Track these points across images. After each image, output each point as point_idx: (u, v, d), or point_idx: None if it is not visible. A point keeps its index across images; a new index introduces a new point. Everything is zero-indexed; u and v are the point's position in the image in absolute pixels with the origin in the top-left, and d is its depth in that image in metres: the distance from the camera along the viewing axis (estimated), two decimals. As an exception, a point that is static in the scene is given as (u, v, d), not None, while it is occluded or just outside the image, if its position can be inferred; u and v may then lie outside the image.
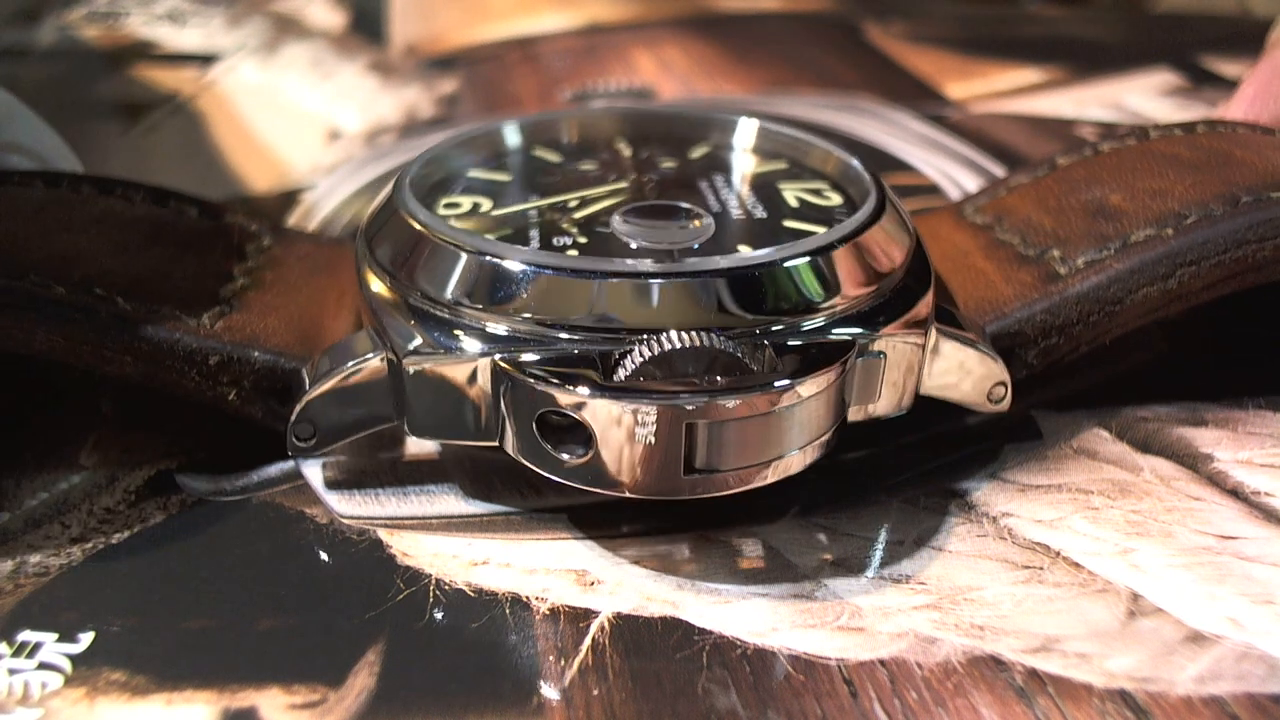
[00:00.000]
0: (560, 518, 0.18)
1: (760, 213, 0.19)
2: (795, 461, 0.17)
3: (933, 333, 0.18)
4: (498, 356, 0.16)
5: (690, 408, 0.15)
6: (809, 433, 0.16)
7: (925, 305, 0.18)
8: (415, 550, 0.18)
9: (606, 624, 0.16)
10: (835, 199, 0.20)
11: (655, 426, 0.15)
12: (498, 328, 0.16)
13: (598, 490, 0.16)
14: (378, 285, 0.18)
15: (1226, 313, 0.22)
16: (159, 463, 0.20)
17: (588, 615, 0.16)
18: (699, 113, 0.23)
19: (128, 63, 0.43)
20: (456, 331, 0.17)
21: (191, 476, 0.19)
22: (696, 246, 0.18)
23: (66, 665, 0.15)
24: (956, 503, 0.18)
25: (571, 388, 0.16)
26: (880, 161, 0.33)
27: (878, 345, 0.17)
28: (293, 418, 0.18)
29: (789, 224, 0.19)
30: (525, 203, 0.20)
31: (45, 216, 0.20)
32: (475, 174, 0.21)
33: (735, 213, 0.19)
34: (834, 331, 0.17)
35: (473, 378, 0.17)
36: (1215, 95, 0.38)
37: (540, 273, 0.16)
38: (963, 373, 0.18)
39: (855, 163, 0.20)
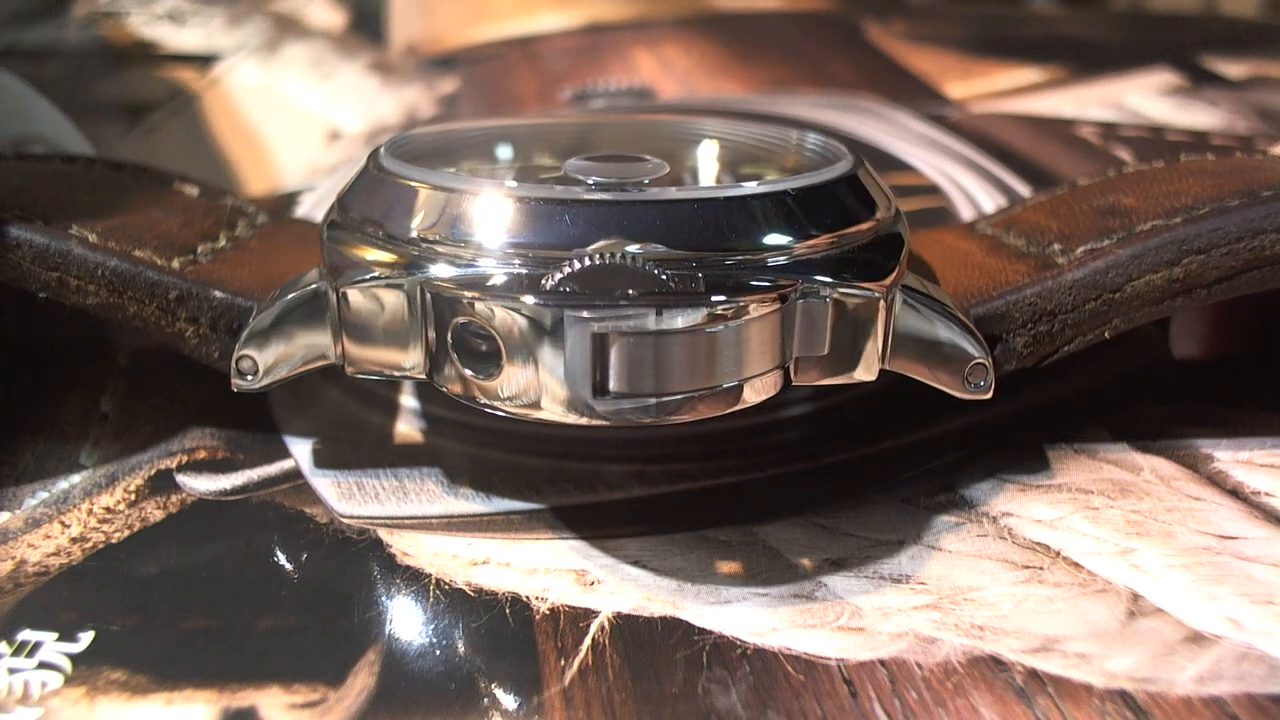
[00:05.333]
0: (560, 518, 0.18)
1: (734, 188, 0.19)
2: (725, 399, 0.16)
3: (896, 300, 0.17)
4: (427, 278, 0.16)
5: (596, 316, 0.15)
6: (739, 368, 0.16)
7: (891, 268, 0.17)
8: (415, 550, 0.18)
9: (606, 624, 0.16)
10: None
11: (559, 334, 0.15)
12: (436, 254, 0.16)
13: (511, 411, 0.16)
14: (329, 223, 0.18)
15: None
16: (159, 462, 0.20)
17: (588, 615, 0.16)
18: (699, 123, 0.23)
19: (128, 63, 0.43)
20: (393, 258, 0.16)
21: (191, 476, 0.19)
22: (647, 181, 0.17)
23: (66, 664, 0.15)
24: (956, 502, 0.18)
25: (482, 296, 0.15)
26: (880, 161, 0.33)
27: (825, 292, 0.16)
28: (238, 347, 0.18)
29: None
30: (500, 167, 0.20)
31: (49, 179, 0.20)
32: (464, 164, 0.21)
33: (707, 183, 0.19)
34: (775, 274, 0.16)
35: (404, 301, 0.16)
36: (1215, 95, 0.38)
37: (474, 198, 0.16)
38: (934, 348, 0.17)
39: (839, 145, 0.20)
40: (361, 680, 0.15)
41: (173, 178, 0.22)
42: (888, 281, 0.17)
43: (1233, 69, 0.41)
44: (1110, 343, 0.19)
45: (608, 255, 0.15)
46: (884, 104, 0.38)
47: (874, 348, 0.17)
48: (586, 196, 0.16)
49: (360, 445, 0.20)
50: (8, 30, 0.46)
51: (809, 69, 0.42)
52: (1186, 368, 0.22)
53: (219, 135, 0.35)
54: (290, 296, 0.17)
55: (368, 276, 0.17)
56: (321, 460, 0.20)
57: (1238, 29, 0.48)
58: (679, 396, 0.16)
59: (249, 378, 0.18)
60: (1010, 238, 0.20)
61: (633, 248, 0.16)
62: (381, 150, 0.19)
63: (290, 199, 0.30)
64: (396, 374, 0.17)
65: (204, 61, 0.43)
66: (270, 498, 0.19)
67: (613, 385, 0.15)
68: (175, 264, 0.19)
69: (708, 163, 0.21)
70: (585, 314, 0.15)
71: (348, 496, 0.19)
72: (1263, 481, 0.19)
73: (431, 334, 0.16)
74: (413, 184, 0.17)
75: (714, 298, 0.15)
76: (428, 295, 0.16)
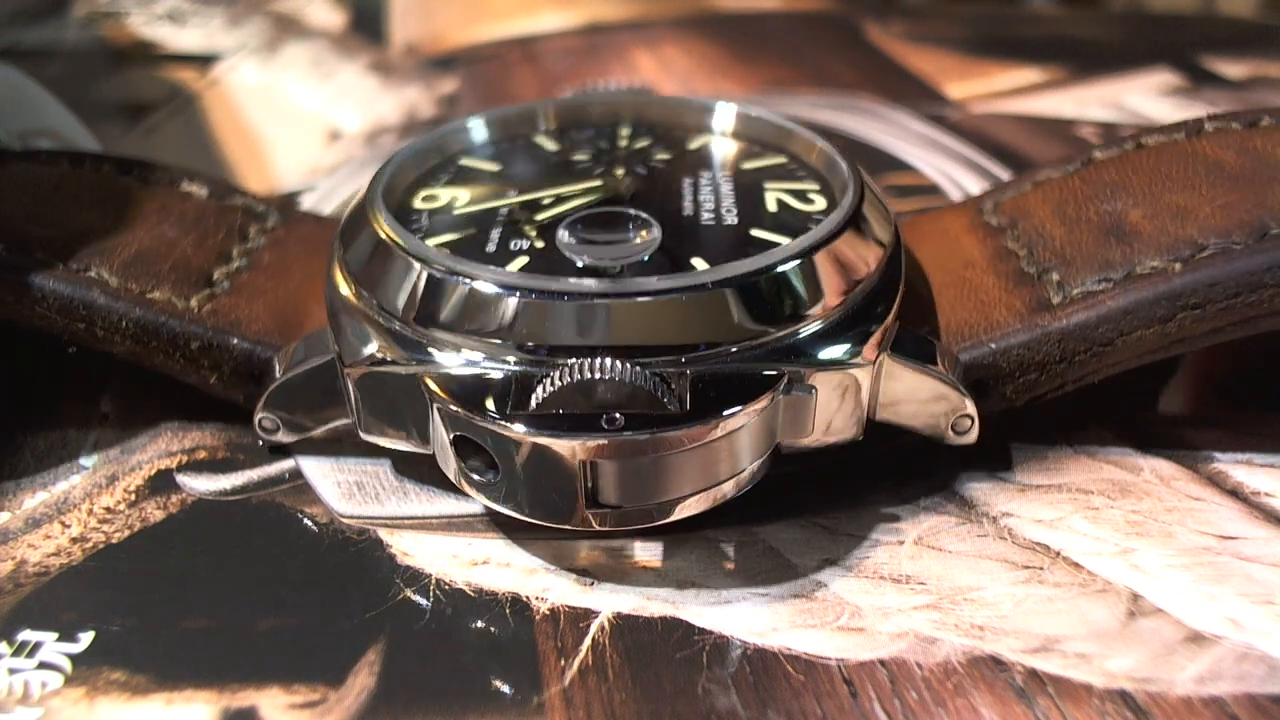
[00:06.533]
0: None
1: (732, 219, 0.19)
2: (717, 493, 0.16)
3: (884, 363, 0.17)
4: (427, 374, 0.16)
5: (586, 445, 0.15)
6: (731, 466, 0.16)
7: (874, 336, 0.17)
8: (415, 550, 0.18)
9: (606, 624, 0.16)
10: (819, 203, 0.19)
11: (551, 461, 0.15)
12: (431, 339, 0.16)
13: (508, 513, 0.16)
14: (337, 284, 0.18)
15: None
16: (159, 462, 0.20)
17: (588, 615, 0.16)
18: (706, 102, 0.23)
19: (128, 63, 0.43)
20: (396, 343, 0.17)
21: (192, 476, 0.19)
22: (647, 259, 0.17)
23: (66, 665, 0.15)
24: (956, 502, 0.18)
25: (478, 415, 0.15)
26: (880, 161, 0.33)
27: (810, 379, 0.16)
28: (257, 408, 0.18)
29: (756, 233, 0.18)
30: (500, 199, 0.20)
31: (61, 193, 0.20)
32: (466, 162, 0.21)
33: (706, 217, 0.19)
34: (761, 363, 0.16)
35: (407, 390, 0.17)
36: (1215, 95, 0.38)
37: (462, 285, 0.16)
38: (920, 403, 0.18)
39: (844, 169, 0.19)
40: (361, 680, 0.15)
41: (180, 176, 0.22)
42: (877, 344, 0.17)
43: (1233, 69, 0.41)
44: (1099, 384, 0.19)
45: (594, 368, 0.15)
46: (884, 104, 0.38)
47: (859, 412, 0.17)
48: (575, 289, 0.16)
49: (360, 445, 0.20)
50: (8, 29, 0.46)
51: (809, 69, 0.42)
52: (1187, 368, 0.22)
53: (219, 135, 0.35)
54: (305, 368, 0.18)
55: (369, 359, 0.17)
56: (321, 460, 0.20)
57: (1237, 29, 0.48)
58: (669, 501, 0.16)
59: (273, 434, 0.19)
60: (1014, 240, 0.20)
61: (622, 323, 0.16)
62: (379, 189, 0.19)
63: (290, 199, 0.30)
64: (407, 448, 0.18)
65: (204, 61, 0.43)
66: (270, 498, 0.19)
67: (603, 499, 0.16)
68: (194, 303, 0.19)
69: (709, 177, 0.20)
70: (573, 442, 0.15)
71: (348, 496, 0.19)
72: (1262, 481, 0.19)
73: (433, 425, 0.17)
74: (403, 255, 0.17)
75: (704, 419, 0.15)
76: (426, 389, 0.16)
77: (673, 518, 0.16)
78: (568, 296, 0.16)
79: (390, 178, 0.20)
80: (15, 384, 0.22)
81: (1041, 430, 0.20)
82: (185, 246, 0.20)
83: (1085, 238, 0.19)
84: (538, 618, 0.16)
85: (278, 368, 0.18)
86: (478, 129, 0.22)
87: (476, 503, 0.19)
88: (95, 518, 0.18)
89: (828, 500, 0.18)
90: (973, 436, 0.18)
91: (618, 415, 0.15)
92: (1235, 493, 0.18)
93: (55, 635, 0.16)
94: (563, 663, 0.15)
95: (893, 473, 0.19)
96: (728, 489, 0.16)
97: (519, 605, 0.16)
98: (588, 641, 0.16)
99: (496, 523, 0.18)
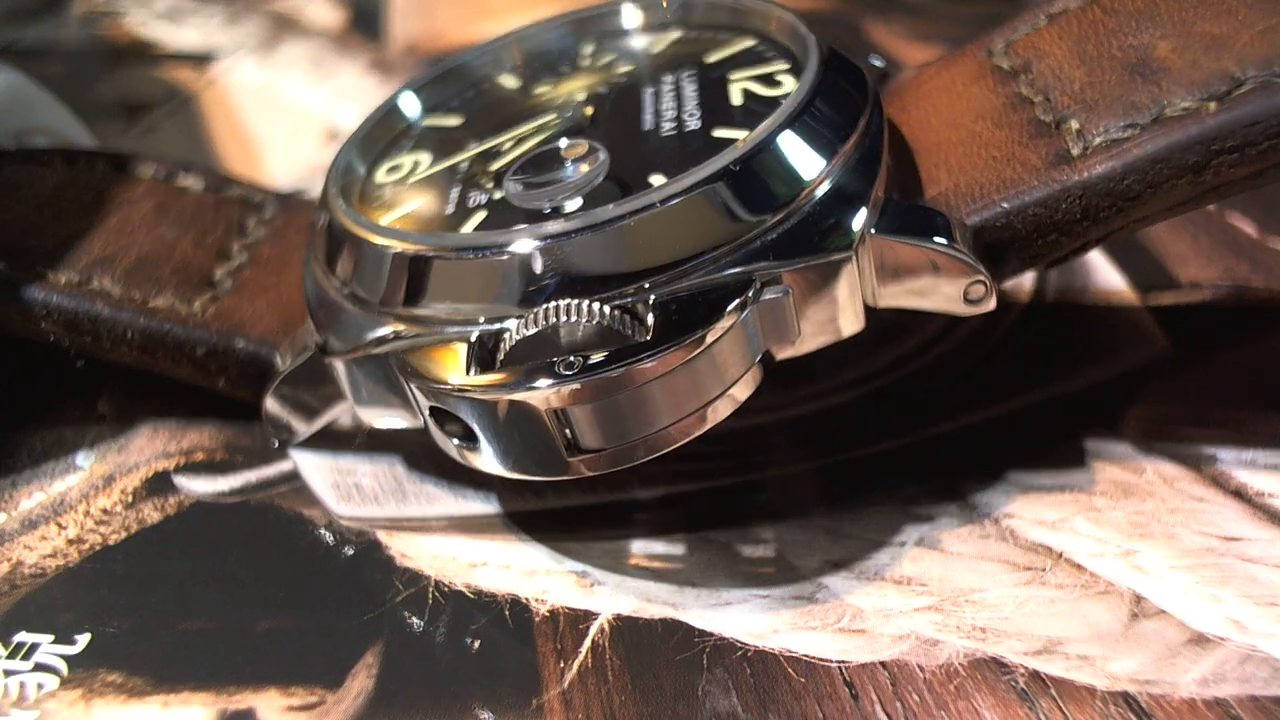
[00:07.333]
0: (560, 519, 0.18)
1: (694, 122, 0.17)
2: (699, 422, 0.15)
3: (871, 245, 0.16)
4: (397, 351, 0.16)
5: (550, 394, 0.14)
6: (705, 394, 0.15)
7: (852, 219, 0.15)
8: (414, 551, 0.17)
9: (606, 626, 0.16)
10: (786, 85, 0.18)
11: (520, 417, 0.15)
12: (397, 316, 0.16)
13: (498, 474, 0.16)
14: (311, 273, 0.18)
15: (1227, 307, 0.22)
16: (156, 464, 0.20)
17: (587, 617, 0.16)
18: None
19: (125, 62, 0.43)
20: (369, 326, 0.16)
21: (189, 478, 0.19)
22: (600, 180, 0.17)
23: (63, 667, 0.15)
24: (958, 504, 0.18)
25: (441, 384, 0.15)
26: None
27: (785, 280, 0.15)
28: (264, 406, 0.18)
29: (719, 133, 0.17)
30: (460, 154, 0.19)
31: (58, 198, 0.20)
32: (429, 122, 0.20)
33: (667, 127, 0.18)
34: (731, 273, 0.15)
35: (386, 370, 0.16)
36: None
37: (417, 260, 0.16)
38: (924, 280, 0.16)
39: (807, 40, 0.18)
40: (360, 683, 0.15)
41: (175, 170, 0.22)
42: (856, 227, 0.15)
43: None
44: (1111, 343, 0.19)
45: (550, 314, 0.15)
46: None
47: (854, 303, 0.16)
48: (520, 237, 0.15)
49: (359, 447, 0.20)
50: (6, 28, 0.46)
51: (809, 68, 0.42)
52: (1190, 367, 0.22)
53: (217, 134, 0.35)
54: (297, 366, 0.18)
55: (347, 346, 0.17)
56: (320, 462, 0.20)
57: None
58: (653, 434, 0.15)
59: (285, 431, 0.19)
60: (1028, 85, 0.18)
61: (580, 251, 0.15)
62: (337, 170, 0.19)
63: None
64: (402, 425, 0.17)
65: (202, 60, 0.43)
66: (268, 500, 0.19)
67: (584, 444, 0.15)
68: (197, 306, 0.19)
69: (664, 82, 0.19)
70: (538, 394, 0.14)
71: (346, 498, 0.19)
72: (1266, 483, 0.18)
73: (413, 401, 0.16)
74: (356, 237, 0.17)
75: (668, 344, 0.14)
76: (399, 367, 0.16)
77: (663, 448, 0.15)
78: (512, 247, 0.15)
79: (350, 155, 0.19)
80: (12, 384, 0.22)
81: (1043, 431, 0.20)
82: (185, 246, 0.20)
83: (1108, 78, 0.17)
84: (537, 619, 0.16)
85: (279, 363, 0.18)
86: (437, 84, 0.21)
87: (475, 504, 0.19)
88: (92, 519, 0.18)
89: (829, 502, 0.18)
90: (989, 304, 0.16)
91: (573, 358, 0.14)
92: (1239, 494, 0.18)
93: (51, 637, 0.16)
94: (562, 665, 0.15)
95: (894, 474, 0.19)
96: (714, 412, 0.16)
97: (518, 607, 0.16)
98: (587, 643, 0.16)
99: (496, 524, 0.18)
